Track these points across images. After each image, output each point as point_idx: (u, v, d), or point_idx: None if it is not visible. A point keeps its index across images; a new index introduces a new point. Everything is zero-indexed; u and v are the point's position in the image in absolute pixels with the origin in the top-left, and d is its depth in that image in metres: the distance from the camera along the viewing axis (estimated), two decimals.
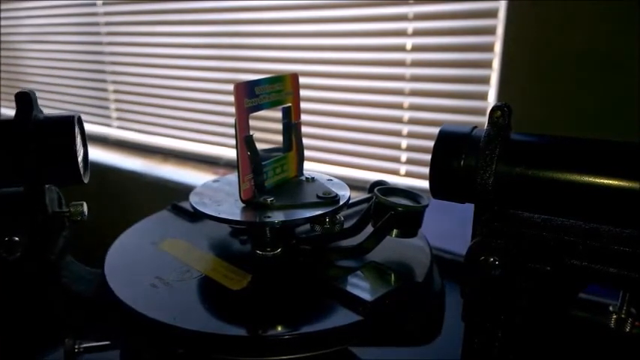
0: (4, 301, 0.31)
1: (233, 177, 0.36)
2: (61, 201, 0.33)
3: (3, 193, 0.30)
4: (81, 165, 0.30)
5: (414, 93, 0.86)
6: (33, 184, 0.29)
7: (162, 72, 1.19)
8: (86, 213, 0.33)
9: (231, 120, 0.32)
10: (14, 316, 0.32)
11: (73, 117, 0.29)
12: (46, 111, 0.30)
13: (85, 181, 0.31)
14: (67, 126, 0.29)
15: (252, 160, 0.32)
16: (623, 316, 0.27)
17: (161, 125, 1.25)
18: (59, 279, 0.32)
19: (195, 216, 0.38)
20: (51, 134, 0.29)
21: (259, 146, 0.33)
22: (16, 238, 0.29)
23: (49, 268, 0.31)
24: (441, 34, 0.81)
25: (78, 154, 0.30)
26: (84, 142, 0.31)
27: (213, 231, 0.37)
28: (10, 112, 1.38)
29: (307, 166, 0.38)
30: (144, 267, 0.33)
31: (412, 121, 0.87)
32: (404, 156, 0.90)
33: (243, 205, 0.33)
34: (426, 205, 0.32)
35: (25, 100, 0.29)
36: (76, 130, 0.30)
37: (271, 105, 0.34)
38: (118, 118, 1.35)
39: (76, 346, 0.35)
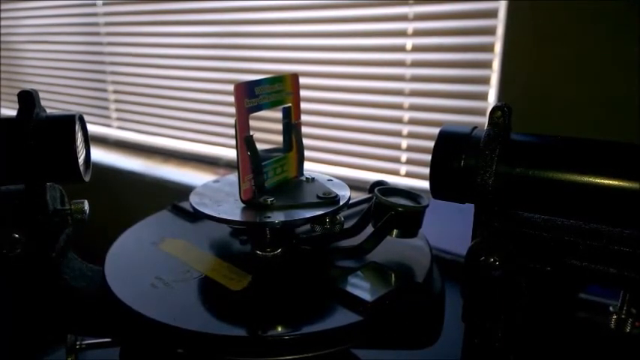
0: (5, 298, 0.31)
1: (233, 177, 0.36)
2: (63, 199, 0.33)
3: (5, 190, 0.30)
4: (82, 163, 0.30)
5: (414, 93, 0.86)
6: (33, 181, 0.29)
7: (163, 72, 1.19)
8: (87, 211, 0.33)
9: (232, 120, 0.32)
10: (15, 313, 0.32)
11: (74, 116, 0.30)
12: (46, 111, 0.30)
13: (86, 179, 0.31)
14: (67, 124, 0.29)
15: (252, 161, 0.32)
16: (623, 316, 0.27)
17: (161, 125, 1.25)
18: (60, 275, 0.32)
19: (196, 216, 0.38)
20: (51, 132, 0.29)
21: (259, 146, 0.33)
22: (16, 235, 0.29)
23: (49, 264, 0.31)
24: (441, 34, 0.81)
25: (79, 152, 0.30)
26: (86, 141, 0.32)
27: (214, 231, 0.37)
28: (9, 112, 1.39)
29: (307, 166, 0.38)
30: (144, 267, 0.33)
31: (412, 122, 0.88)
32: (404, 156, 0.90)
33: (244, 205, 0.33)
34: (426, 206, 0.32)
35: (28, 99, 0.29)
36: (77, 128, 0.30)
37: (271, 105, 0.34)
38: (118, 119, 1.35)
39: (78, 343, 0.35)
